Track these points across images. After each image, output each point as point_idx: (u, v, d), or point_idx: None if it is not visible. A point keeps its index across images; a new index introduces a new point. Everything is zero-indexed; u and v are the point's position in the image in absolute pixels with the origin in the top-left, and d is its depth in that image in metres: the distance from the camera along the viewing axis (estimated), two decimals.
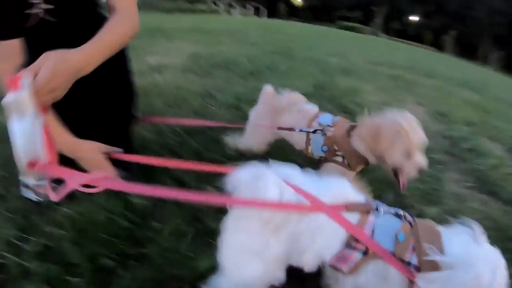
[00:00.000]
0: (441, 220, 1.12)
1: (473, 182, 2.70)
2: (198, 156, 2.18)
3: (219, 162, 2.07)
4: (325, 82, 4.44)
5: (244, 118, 2.72)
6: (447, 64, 13.88)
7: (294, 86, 3.79)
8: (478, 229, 0.96)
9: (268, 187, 0.95)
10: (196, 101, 2.98)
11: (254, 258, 1.00)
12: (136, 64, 3.98)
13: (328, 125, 1.72)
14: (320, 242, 1.00)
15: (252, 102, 3.08)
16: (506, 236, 1.93)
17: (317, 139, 1.73)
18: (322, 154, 1.74)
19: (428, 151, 3.01)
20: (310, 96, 3.44)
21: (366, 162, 1.68)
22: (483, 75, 14.66)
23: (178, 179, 1.88)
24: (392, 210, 1.05)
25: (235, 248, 1.03)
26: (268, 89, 2.04)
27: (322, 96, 3.82)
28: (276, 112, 1.93)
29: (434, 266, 0.89)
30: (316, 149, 1.76)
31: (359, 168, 1.74)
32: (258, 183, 0.96)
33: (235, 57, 5.02)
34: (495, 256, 0.92)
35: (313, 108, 1.91)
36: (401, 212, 1.04)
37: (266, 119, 1.98)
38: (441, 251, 0.91)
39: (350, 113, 3.37)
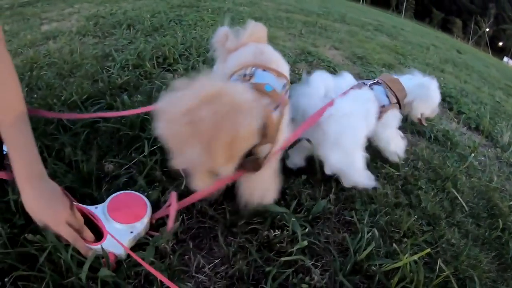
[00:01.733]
0: None
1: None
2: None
3: None
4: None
5: (147, 77, 2.33)
6: (360, 12, 13.98)
7: (201, 38, 3.39)
8: (418, 72, 1.91)
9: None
10: (93, 65, 2.48)
11: None
12: (28, 35, 3.42)
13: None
14: None
15: (157, 58, 2.65)
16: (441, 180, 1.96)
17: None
18: None
19: None
20: None
21: None
22: (395, 22, 15.08)
23: None
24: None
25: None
26: (222, 31, 1.50)
27: None
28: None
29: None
30: None
31: None
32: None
33: (138, 14, 4.43)
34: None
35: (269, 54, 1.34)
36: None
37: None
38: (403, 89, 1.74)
39: None
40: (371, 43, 5.65)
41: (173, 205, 1.09)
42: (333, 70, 3.32)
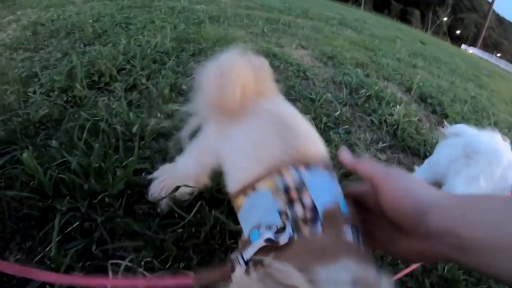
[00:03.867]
0: None
1: (389, 140, 2.18)
2: None
3: None
4: (190, 33, 3.50)
5: (75, 103, 1.82)
6: (321, 6, 13.73)
7: (147, 45, 2.89)
8: None
9: None
10: (12, 92, 1.94)
11: None
12: None
13: None
14: None
15: (91, 76, 2.13)
16: None
17: None
18: None
19: (327, 106, 2.45)
20: (170, 54, 2.68)
21: None
22: (357, 15, 14.93)
23: None
24: None
25: None
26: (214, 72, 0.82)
27: (186, 49, 2.92)
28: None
29: None
30: None
31: None
32: None
33: (81, 19, 3.85)
34: None
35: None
36: None
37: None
38: None
39: None
40: (339, 39, 5.30)
41: None
42: (303, 75, 2.90)
